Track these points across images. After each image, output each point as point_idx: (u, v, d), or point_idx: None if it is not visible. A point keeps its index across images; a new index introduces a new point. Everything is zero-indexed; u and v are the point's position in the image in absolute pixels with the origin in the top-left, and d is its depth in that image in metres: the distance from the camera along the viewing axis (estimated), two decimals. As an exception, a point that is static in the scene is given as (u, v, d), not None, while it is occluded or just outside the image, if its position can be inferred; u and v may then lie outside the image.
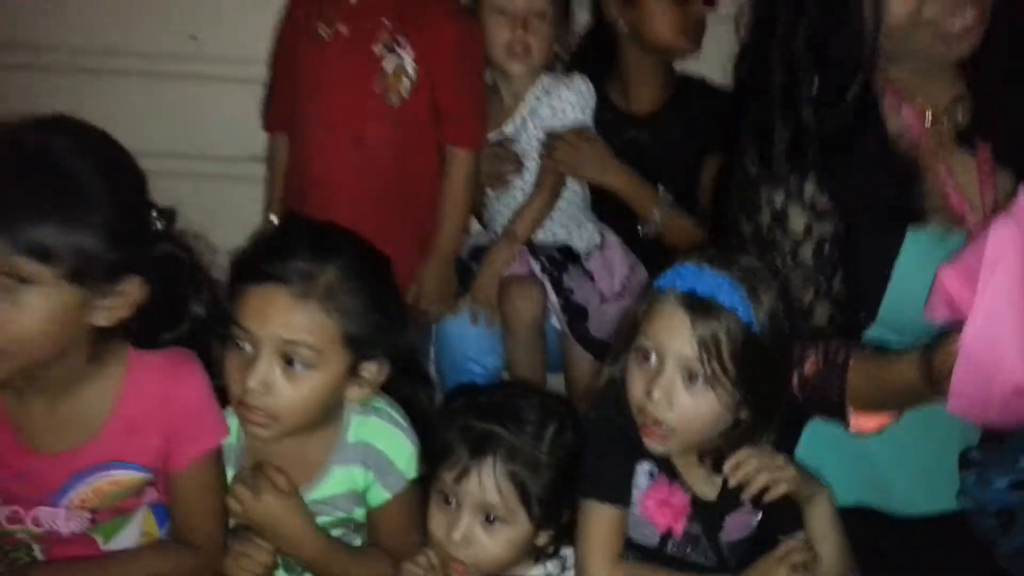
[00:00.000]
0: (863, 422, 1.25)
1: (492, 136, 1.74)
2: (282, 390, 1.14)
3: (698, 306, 1.14)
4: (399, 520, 1.28)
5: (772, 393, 1.18)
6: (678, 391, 1.15)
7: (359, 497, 1.27)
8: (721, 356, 1.12)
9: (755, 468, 1.20)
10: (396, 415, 1.29)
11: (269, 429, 1.16)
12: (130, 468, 1.12)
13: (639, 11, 1.74)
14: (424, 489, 1.27)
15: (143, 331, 1.11)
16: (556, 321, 1.75)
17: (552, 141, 1.71)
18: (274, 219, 1.82)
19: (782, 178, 1.21)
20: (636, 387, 1.18)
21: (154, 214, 1.11)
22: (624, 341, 1.22)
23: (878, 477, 1.32)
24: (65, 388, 1.08)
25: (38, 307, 0.99)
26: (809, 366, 1.23)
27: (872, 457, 1.32)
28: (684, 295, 1.16)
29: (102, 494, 1.12)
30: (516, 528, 1.19)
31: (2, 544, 1.12)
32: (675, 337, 1.15)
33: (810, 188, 1.21)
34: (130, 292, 1.05)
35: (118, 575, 1.12)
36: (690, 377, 1.15)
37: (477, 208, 1.82)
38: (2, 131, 1.03)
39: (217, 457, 1.19)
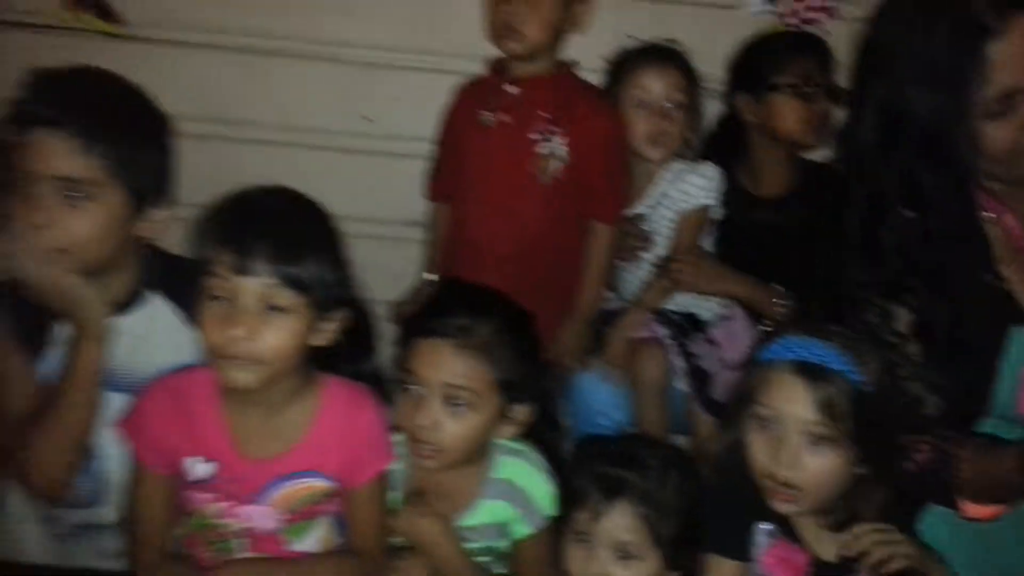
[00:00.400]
0: (976, 511, 1.33)
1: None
2: (447, 427, 1.34)
3: (811, 373, 1.26)
4: (539, 553, 1.44)
5: (887, 447, 1.29)
6: (803, 454, 1.27)
7: (503, 529, 1.45)
8: (838, 416, 1.25)
9: (874, 541, 1.28)
10: (537, 458, 1.46)
11: (435, 460, 1.36)
12: (319, 477, 1.33)
13: (767, 108, 1.91)
14: (557, 528, 1.43)
15: (329, 360, 1.34)
16: (683, 384, 1.89)
17: (673, 264, 1.87)
18: (429, 277, 2.06)
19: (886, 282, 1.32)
20: (760, 454, 1.30)
21: None
22: (737, 411, 1.35)
23: (996, 563, 1.39)
24: (277, 404, 1.31)
25: (287, 330, 1.23)
26: (922, 455, 1.31)
27: (991, 542, 1.37)
28: (797, 364, 1.28)
29: (296, 498, 1.33)
30: (648, 566, 1.32)
31: (211, 536, 1.34)
32: (794, 403, 1.27)
33: (915, 284, 1.32)
34: (341, 320, 1.29)
35: (308, 570, 1.32)
36: (812, 439, 1.26)
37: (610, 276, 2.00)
38: (252, 190, 1.30)
39: (385, 479, 1.39)
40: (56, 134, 1.30)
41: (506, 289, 1.47)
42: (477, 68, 2.00)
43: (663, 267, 1.89)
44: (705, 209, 1.90)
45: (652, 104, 1.87)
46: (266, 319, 1.22)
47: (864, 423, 1.26)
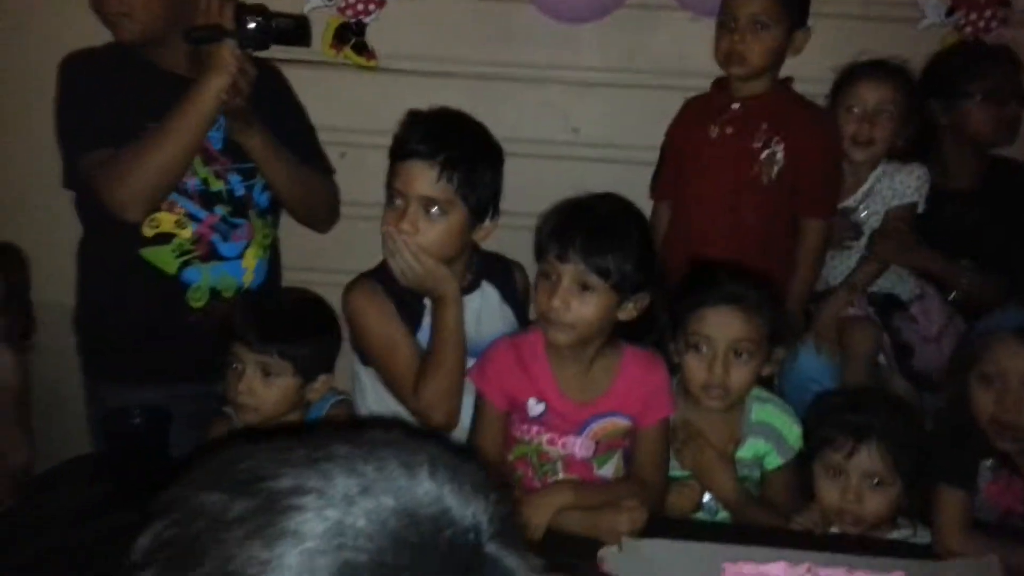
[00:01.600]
0: None
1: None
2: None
3: None
4: (787, 480, 1.77)
5: None
6: None
7: (759, 463, 1.78)
8: None
9: None
10: (783, 402, 1.81)
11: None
12: (623, 417, 1.70)
13: (961, 113, 2.18)
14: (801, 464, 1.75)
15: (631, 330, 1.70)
16: (881, 357, 2.18)
17: (877, 237, 2.14)
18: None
19: None
20: (987, 404, 1.60)
21: None
22: (960, 372, 1.65)
23: None
24: (590, 359, 1.69)
25: (594, 305, 1.61)
26: None
27: None
28: (1018, 330, 1.59)
29: (604, 432, 1.70)
30: (892, 491, 1.64)
31: (540, 460, 1.72)
32: (1018, 359, 1.58)
33: None
34: (641, 302, 1.64)
35: (612, 492, 1.65)
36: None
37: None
38: (582, 197, 1.68)
39: (667, 424, 1.74)
40: (425, 163, 1.70)
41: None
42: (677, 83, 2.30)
43: (872, 244, 2.15)
44: (914, 206, 2.17)
45: (861, 110, 2.15)
46: (579, 295, 1.59)
47: None
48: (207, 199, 1.91)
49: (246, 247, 1.96)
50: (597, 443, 1.70)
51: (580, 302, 1.60)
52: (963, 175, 2.25)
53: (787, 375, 2.19)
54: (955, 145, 2.23)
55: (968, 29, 2.49)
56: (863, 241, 2.21)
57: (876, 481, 1.64)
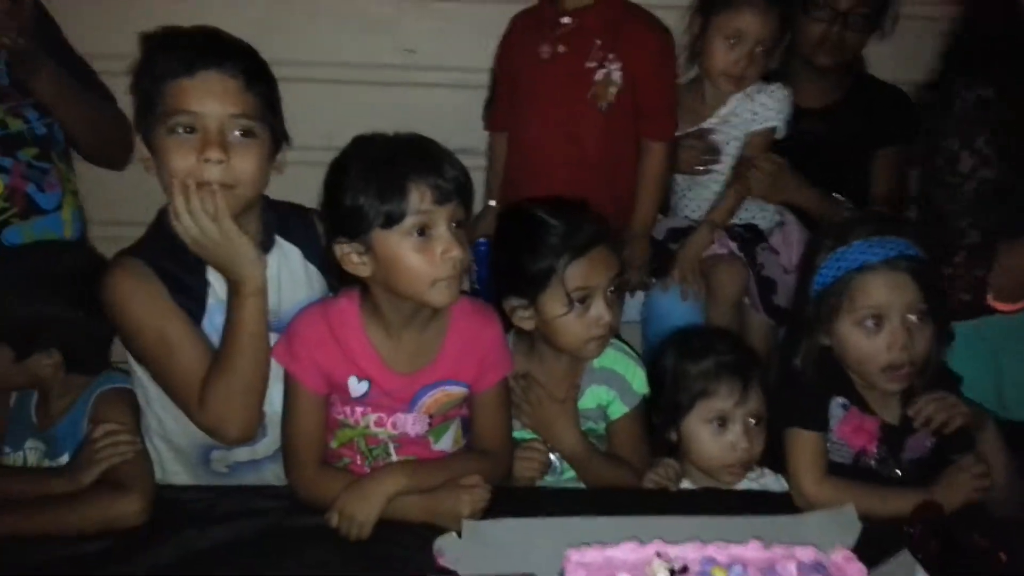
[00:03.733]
0: (1005, 306, 1.60)
1: (692, 128, 2.07)
2: None
3: (908, 263, 1.46)
4: (634, 430, 1.65)
5: (947, 317, 1.52)
6: (916, 335, 1.47)
7: (603, 413, 1.66)
8: (931, 293, 1.47)
9: (935, 409, 1.51)
10: (625, 345, 1.66)
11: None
12: (457, 384, 1.52)
13: (796, 27, 2.04)
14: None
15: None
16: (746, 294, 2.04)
17: (745, 171, 1.98)
18: (493, 204, 2.20)
19: (960, 129, 1.56)
20: (870, 348, 1.48)
21: None
22: (824, 318, 1.52)
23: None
24: (417, 324, 1.48)
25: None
26: (957, 259, 1.57)
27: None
28: (893, 260, 1.46)
29: (438, 403, 1.52)
30: (763, 425, 1.57)
31: (368, 444, 1.53)
32: (901, 293, 1.46)
33: (980, 141, 1.56)
34: None
35: (452, 469, 1.47)
36: (919, 319, 1.47)
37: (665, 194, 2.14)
38: (386, 138, 1.47)
39: (507, 384, 1.58)
40: (225, 74, 1.39)
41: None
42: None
43: (736, 173, 2.00)
44: (773, 130, 2.03)
45: (744, 44, 1.97)
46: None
47: (938, 290, 1.48)
48: (8, 143, 1.72)
49: (62, 196, 1.82)
50: (431, 416, 1.53)
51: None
52: (818, 92, 2.13)
53: (649, 318, 2.09)
54: (803, 62, 2.11)
55: None
56: (722, 167, 2.07)
57: (756, 421, 1.57)
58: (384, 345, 1.49)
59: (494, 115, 2.17)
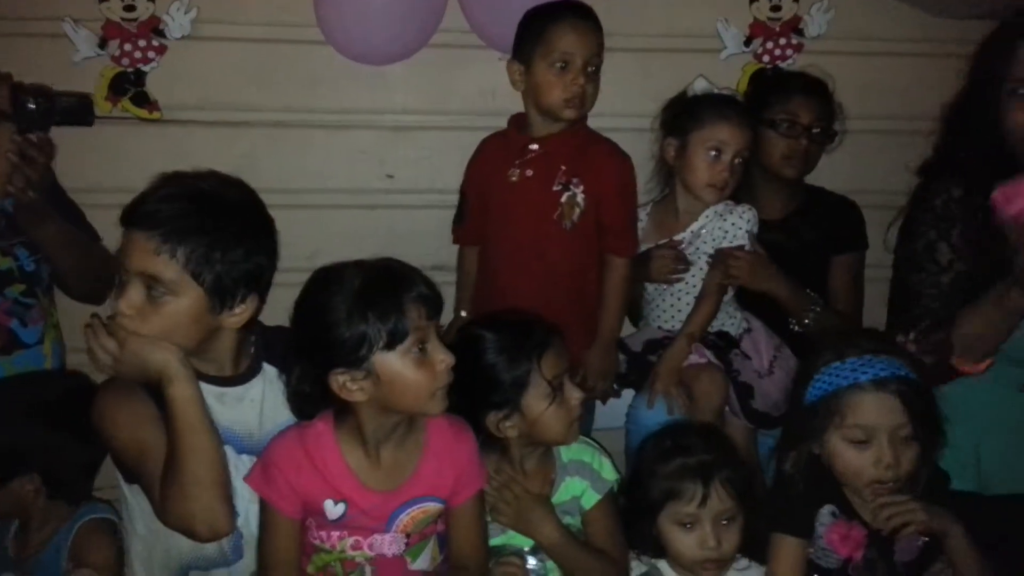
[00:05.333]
0: (971, 368, 1.64)
1: (662, 241, 2.15)
2: None
3: (897, 385, 1.52)
4: (608, 519, 1.70)
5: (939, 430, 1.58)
6: (902, 454, 1.53)
7: (577, 505, 1.71)
8: (917, 412, 1.53)
9: (888, 514, 1.57)
10: (586, 438, 1.75)
11: None
12: (434, 500, 1.57)
13: (759, 142, 2.16)
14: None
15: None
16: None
17: (726, 259, 2.06)
18: (464, 315, 2.27)
19: (937, 223, 1.65)
20: (858, 463, 1.55)
21: None
22: (814, 430, 1.59)
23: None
24: (396, 441, 1.54)
25: None
26: (922, 330, 1.62)
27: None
28: (881, 380, 1.53)
29: (415, 520, 1.56)
30: (740, 521, 1.62)
31: (345, 568, 1.55)
32: (888, 415, 1.53)
33: (955, 234, 1.64)
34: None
35: None
36: (905, 438, 1.53)
37: (633, 305, 2.22)
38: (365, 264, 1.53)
39: (483, 497, 1.63)
40: (143, 234, 1.44)
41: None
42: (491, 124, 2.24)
43: (714, 264, 2.06)
44: (742, 248, 2.10)
45: (726, 155, 2.07)
46: None
47: (924, 408, 1.55)
48: None
49: (43, 331, 1.87)
50: (408, 535, 1.56)
51: None
52: (775, 205, 2.24)
53: (633, 430, 2.10)
54: (761, 176, 2.23)
55: (766, 58, 2.54)
56: (693, 280, 2.13)
57: (727, 519, 1.62)
58: (361, 465, 1.54)
59: (465, 231, 2.27)
